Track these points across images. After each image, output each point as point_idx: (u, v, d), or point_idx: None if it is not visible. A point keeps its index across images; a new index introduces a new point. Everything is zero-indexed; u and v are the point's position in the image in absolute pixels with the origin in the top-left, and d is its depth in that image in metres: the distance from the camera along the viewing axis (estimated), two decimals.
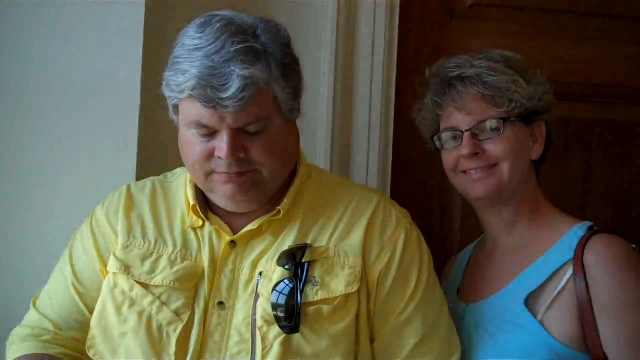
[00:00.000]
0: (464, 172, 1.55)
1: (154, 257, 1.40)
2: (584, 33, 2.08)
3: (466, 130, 1.52)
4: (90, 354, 1.40)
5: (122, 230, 1.44)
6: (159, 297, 1.37)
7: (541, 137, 1.57)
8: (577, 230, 1.50)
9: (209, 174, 1.35)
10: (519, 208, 1.57)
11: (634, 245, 1.48)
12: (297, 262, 1.35)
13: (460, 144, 1.53)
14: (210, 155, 1.33)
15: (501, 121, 1.50)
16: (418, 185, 2.04)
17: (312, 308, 1.34)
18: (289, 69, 1.34)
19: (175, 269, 1.38)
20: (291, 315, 1.31)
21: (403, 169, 2.02)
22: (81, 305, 1.45)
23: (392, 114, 1.97)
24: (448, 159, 1.58)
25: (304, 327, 1.32)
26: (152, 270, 1.39)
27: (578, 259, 1.43)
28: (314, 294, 1.34)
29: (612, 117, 2.09)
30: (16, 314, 1.54)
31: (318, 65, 1.92)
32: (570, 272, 1.44)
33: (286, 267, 1.35)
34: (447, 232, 2.05)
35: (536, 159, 1.58)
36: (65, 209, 1.73)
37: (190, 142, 1.35)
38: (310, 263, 1.36)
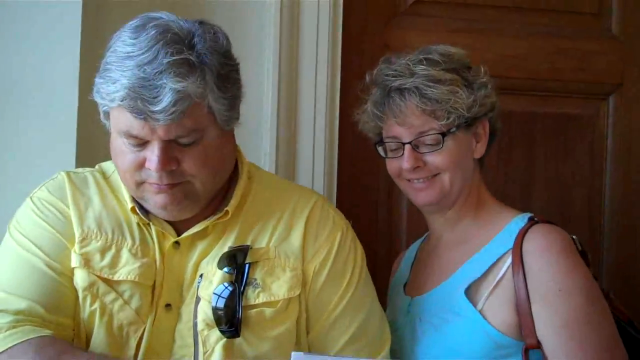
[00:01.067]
0: (408, 180, 1.57)
1: (114, 250, 1.35)
2: (525, 28, 2.11)
3: (407, 143, 1.53)
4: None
5: (75, 220, 1.37)
6: (121, 295, 1.32)
7: (484, 135, 1.59)
8: (518, 221, 1.52)
9: (140, 183, 1.32)
10: (462, 207, 1.59)
11: (573, 236, 1.50)
12: (238, 263, 1.33)
13: (402, 154, 1.54)
14: (141, 166, 1.29)
15: (440, 136, 1.51)
16: (364, 185, 2.04)
17: (253, 311, 1.32)
18: (226, 78, 1.30)
19: (138, 263, 1.34)
20: (232, 319, 1.30)
21: (348, 170, 2.02)
22: (64, 284, 1.34)
23: (336, 113, 1.97)
24: (391, 167, 1.59)
25: (245, 331, 1.31)
26: (113, 264, 1.33)
27: (517, 248, 1.45)
28: (255, 296, 1.33)
29: (553, 110, 2.13)
30: None
31: (261, 66, 1.91)
32: (509, 261, 1.46)
33: (226, 270, 1.33)
34: (394, 231, 2.06)
35: (479, 157, 1.60)
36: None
37: (121, 151, 1.31)
38: (250, 264, 1.34)
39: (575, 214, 2.10)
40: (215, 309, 1.31)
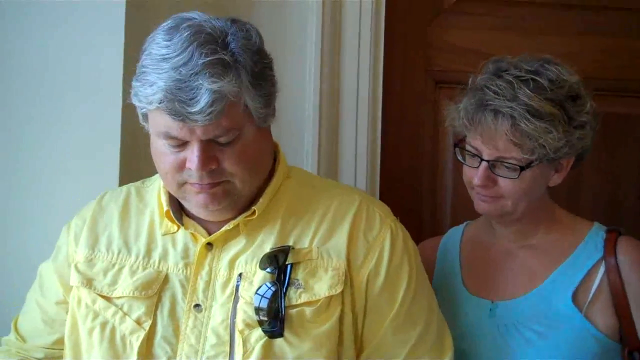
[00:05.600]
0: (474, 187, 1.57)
1: (116, 268, 1.39)
2: (572, 27, 2.06)
3: (484, 160, 1.51)
4: None
5: (85, 243, 1.42)
6: (120, 308, 1.35)
7: (566, 168, 1.57)
8: (596, 231, 1.59)
9: (181, 184, 1.33)
10: (531, 222, 1.59)
11: None
12: (279, 264, 1.33)
13: (478, 166, 1.52)
14: (181, 167, 1.30)
15: (519, 168, 1.49)
16: (407, 183, 2.02)
17: (294, 311, 1.32)
18: (260, 76, 1.30)
19: (135, 278, 1.37)
20: (275, 319, 1.30)
21: (391, 168, 2.00)
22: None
23: (379, 112, 1.95)
24: (465, 173, 1.58)
25: (286, 330, 1.30)
26: (113, 282, 1.38)
27: (610, 258, 1.54)
28: (297, 296, 1.32)
29: (603, 109, 2.05)
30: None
31: (304, 65, 1.89)
32: (602, 270, 1.54)
33: (268, 270, 1.33)
34: (438, 228, 2.02)
35: (553, 185, 1.59)
36: (47, 209, 1.72)
37: (161, 152, 1.32)
38: (292, 265, 1.34)
39: (625, 212, 2.07)
40: (258, 309, 1.30)
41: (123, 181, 1.68)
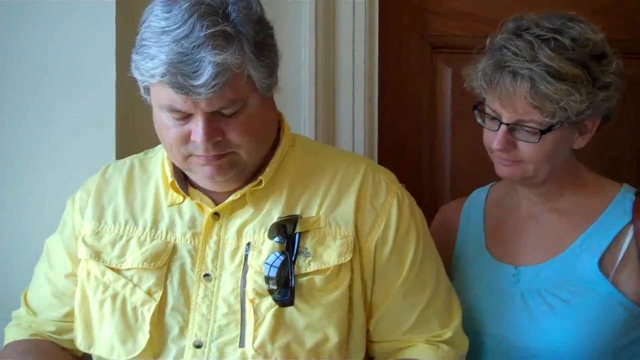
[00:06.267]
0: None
1: (124, 240, 1.39)
2: None
3: (503, 123, 1.46)
4: (77, 344, 1.40)
5: (91, 215, 1.42)
6: (130, 280, 1.36)
7: (591, 131, 1.51)
8: (625, 193, 1.54)
9: (186, 156, 1.32)
10: (556, 185, 1.55)
11: None
12: (287, 233, 1.33)
13: (497, 129, 1.47)
14: (186, 139, 1.29)
15: (539, 132, 1.44)
16: (405, 147, 2.01)
17: (304, 279, 1.32)
18: (263, 46, 1.28)
19: (143, 249, 1.37)
20: (285, 288, 1.30)
21: (389, 132, 1.99)
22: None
23: (376, 82, 1.93)
24: (485, 136, 1.53)
25: (296, 299, 1.31)
26: (122, 254, 1.38)
27: (638, 222, 1.48)
28: (306, 265, 1.33)
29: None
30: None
31: (298, 29, 1.87)
32: (630, 234, 1.49)
33: (276, 239, 1.33)
34: (438, 193, 2.03)
35: (577, 148, 1.53)
36: (45, 197, 1.71)
37: (165, 125, 1.31)
38: (301, 234, 1.34)
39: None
40: (267, 278, 1.31)
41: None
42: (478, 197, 1.69)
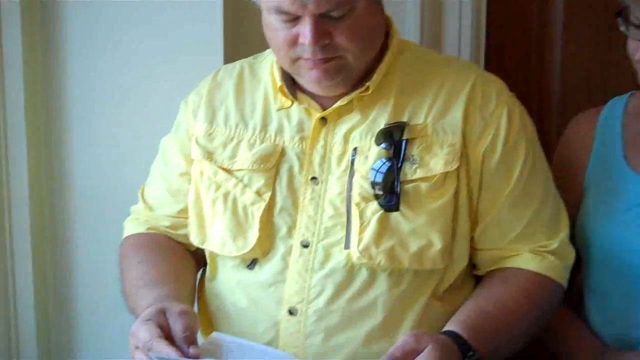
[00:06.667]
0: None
1: (235, 142, 1.42)
2: None
3: None
4: (191, 239, 1.46)
5: (204, 117, 1.46)
6: (240, 180, 1.40)
7: None
8: None
9: (294, 59, 1.33)
10: None
11: None
12: (394, 140, 1.34)
13: None
14: (294, 42, 1.30)
15: None
16: (513, 50, 1.95)
17: (410, 186, 1.33)
18: None
19: (253, 151, 1.40)
20: (390, 194, 1.32)
21: (496, 43, 1.93)
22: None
23: None
24: (628, 45, 1.42)
25: (402, 205, 1.33)
26: (233, 155, 1.41)
27: None
28: (412, 172, 1.34)
29: None
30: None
31: None
32: None
33: (383, 145, 1.34)
34: (544, 95, 1.97)
35: None
36: (158, 98, 1.78)
37: (273, 28, 1.32)
38: (408, 141, 1.34)
39: None
40: (373, 184, 1.33)
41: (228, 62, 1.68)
42: (615, 106, 1.55)
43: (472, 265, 1.44)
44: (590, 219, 1.48)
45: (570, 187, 1.50)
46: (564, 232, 1.42)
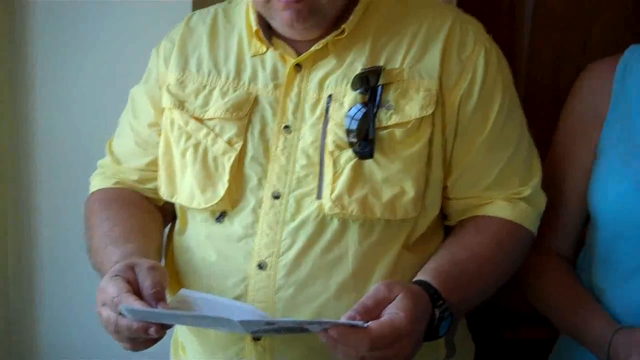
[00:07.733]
0: None
1: (207, 90, 1.38)
2: None
3: None
4: (160, 192, 1.42)
5: (175, 65, 1.41)
6: (212, 129, 1.36)
7: None
8: None
9: (267, 0, 1.29)
10: None
11: None
12: (370, 85, 1.30)
13: None
14: None
15: None
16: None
17: (384, 132, 1.30)
18: None
19: (226, 99, 1.36)
20: (365, 140, 1.29)
21: None
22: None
23: None
24: None
25: (376, 152, 1.29)
26: (205, 104, 1.37)
27: None
28: (387, 118, 1.30)
29: None
30: None
31: None
32: None
33: (359, 90, 1.30)
34: (517, 40, 1.92)
35: None
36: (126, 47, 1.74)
37: None
38: (384, 86, 1.31)
39: None
40: (348, 131, 1.30)
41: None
42: (635, 53, 1.41)
43: (442, 215, 1.42)
44: (608, 185, 1.37)
45: (581, 147, 1.42)
46: (536, 178, 1.39)
